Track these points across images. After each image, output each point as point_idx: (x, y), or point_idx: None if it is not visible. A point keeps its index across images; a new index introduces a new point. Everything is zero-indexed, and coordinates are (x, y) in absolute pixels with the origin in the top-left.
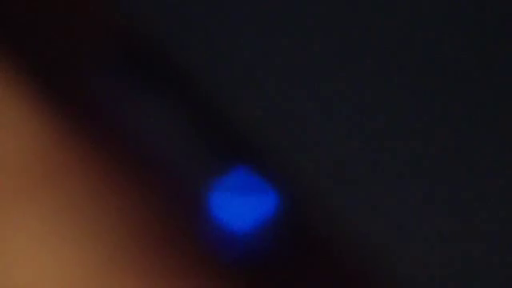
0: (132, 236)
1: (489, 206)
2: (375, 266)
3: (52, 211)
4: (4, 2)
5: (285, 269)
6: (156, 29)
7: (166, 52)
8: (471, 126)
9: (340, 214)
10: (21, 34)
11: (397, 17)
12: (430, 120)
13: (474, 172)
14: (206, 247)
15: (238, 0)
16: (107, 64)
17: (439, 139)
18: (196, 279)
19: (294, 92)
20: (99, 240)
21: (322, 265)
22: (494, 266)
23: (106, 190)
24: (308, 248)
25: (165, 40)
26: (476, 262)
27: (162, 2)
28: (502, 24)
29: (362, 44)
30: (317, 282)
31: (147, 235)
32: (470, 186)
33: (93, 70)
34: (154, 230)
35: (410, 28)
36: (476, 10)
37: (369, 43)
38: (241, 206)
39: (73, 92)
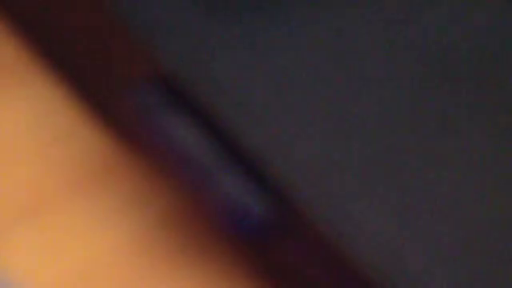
0: (167, 221)
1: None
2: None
3: (103, 205)
4: (56, 30)
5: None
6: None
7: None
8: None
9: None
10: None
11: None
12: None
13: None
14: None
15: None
16: (145, 85)
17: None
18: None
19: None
20: (141, 227)
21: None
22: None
23: (146, 185)
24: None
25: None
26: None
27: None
28: None
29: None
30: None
31: (180, 219)
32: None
33: (133, 89)
34: (182, 215)
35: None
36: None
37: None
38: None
39: (120, 107)
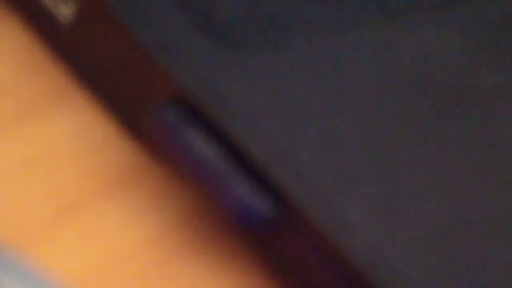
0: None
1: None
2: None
3: (130, 205)
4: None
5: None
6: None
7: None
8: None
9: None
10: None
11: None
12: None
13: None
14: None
15: None
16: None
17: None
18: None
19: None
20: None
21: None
22: None
23: (168, 189)
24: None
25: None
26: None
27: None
28: None
29: None
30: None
31: (195, 218)
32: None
33: (158, 108)
34: (198, 215)
35: None
36: None
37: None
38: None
39: (146, 123)
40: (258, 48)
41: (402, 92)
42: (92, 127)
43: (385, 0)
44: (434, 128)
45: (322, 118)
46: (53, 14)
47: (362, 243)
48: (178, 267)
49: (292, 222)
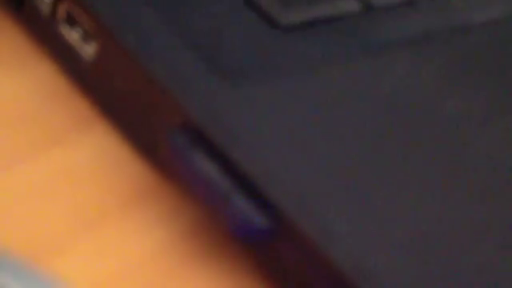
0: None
1: None
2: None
3: (144, 218)
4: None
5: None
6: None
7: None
8: None
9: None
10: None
11: None
12: None
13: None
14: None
15: None
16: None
17: None
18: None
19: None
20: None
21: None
22: None
23: (177, 204)
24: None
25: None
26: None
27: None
28: None
29: None
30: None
31: (200, 230)
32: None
33: (170, 133)
34: (203, 227)
35: None
36: None
37: None
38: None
39: (160, 146)
40: (256, 82)
41: (381, 117)
42: (111, 151)
43: (368, 38)
44: (409, 148)
45: (312, 143)
46: (78, 52)
47: (345, 253)
48: (185, 274)
49: (285, 234)
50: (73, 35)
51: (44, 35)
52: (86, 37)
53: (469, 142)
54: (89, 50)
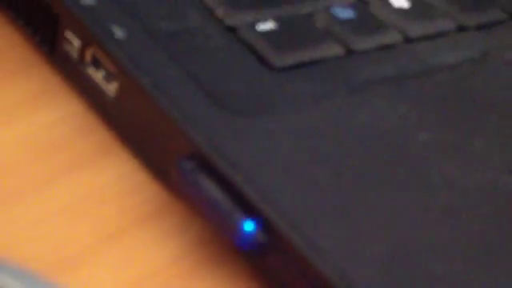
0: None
1: None
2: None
3: (156, 232)
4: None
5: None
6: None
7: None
8: None
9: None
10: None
11: None
12: None
13: None
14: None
15: None
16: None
17: None
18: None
19: None
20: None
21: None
22: None
23: (185, 221)
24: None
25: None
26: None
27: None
28: None
29: None
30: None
31: (205, 242)
32: None
33: (179, 160)
34: (207, 240)
35: None
36: None
37: None
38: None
39: (170, 171)
40: (253, 116)
41: (362, 147)
42: (131, 175)
43: (348, 78)
44: (386, 173)
45: (301, 169)
46: (102, 89)
47: (331, 265)
48: (194, 279)
49: (279, 247)
50: (98, 76)
51: (74, 75)
52: (109, 77)
53: (437, 167)
54: (111, 89)
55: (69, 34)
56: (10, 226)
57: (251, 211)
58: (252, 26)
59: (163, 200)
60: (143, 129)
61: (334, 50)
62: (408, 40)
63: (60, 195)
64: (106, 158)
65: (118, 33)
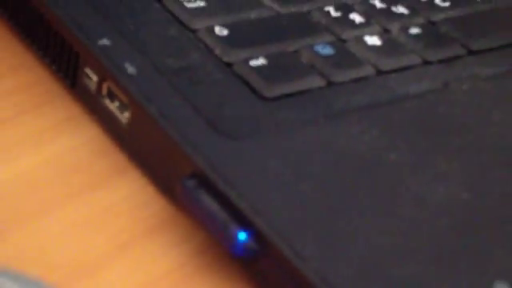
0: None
1: None
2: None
3: (161, 241)
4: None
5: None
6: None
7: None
8: None
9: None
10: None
11: None
12: None
13: None
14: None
15: None
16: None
17: None
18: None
19: None
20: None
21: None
22: None
23: (186, 231)
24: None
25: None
26: None
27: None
28: None
29: None
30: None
31: (205, 250)
32: None
33: (182, 179)
34: (207, 248)
35: None
36: None
37: None
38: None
39: (176, 188)
40: (246, 140)
41: (340, 165)
42: (141, 191)
43: (328, 106)
44: (361, 188)
45: (289, 185)
46: (117, 118)
47: (311, 270)
48: (196, 282)
49: (268, 253)
50: (113, 106)
51: (92, 106)
52: (122, 107)
53: (404, 183)
54: (124, 117)
55: (88, 71)
56: (36, 236)
57: (244, 223)
58: (246, 62)
59: (169, 213)
60: (152, 151)
61: (316, 82)
62: (380, 73)
63: (80, 209)
64: (120, 177)
65: (130, 69)
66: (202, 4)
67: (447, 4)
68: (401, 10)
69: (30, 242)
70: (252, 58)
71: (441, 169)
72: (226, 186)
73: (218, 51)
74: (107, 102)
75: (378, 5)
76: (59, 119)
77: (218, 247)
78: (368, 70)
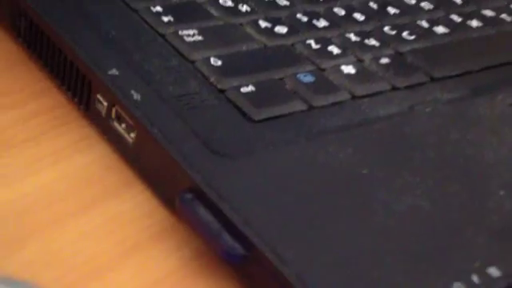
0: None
1: None
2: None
3: (162, 247)
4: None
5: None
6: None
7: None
8: None
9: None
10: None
11: None
12: None
13: None
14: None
15: None
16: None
17: None
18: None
19: None
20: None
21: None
22: None
23: (184, 238)
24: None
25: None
26: None
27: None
28: None
29: None
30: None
31: (201, 255)
32: None
33: (182, 195)
34: (203, 254)
35: None
36: None
37: None
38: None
39: (175, 202)
40: (237, 158)
41: (319, 179)
42: (145, 202)
43: (309, 128)
44: (335, 200)
45: (273, 198)
46: (124, 138)
47: (292, 273)
48: (193, 282)
49: (256, 258)
50: (120, 128)
51: (103, 127)
52: (129, 128)
53: (375, 194)
54: (131, 137)
55: (99, 97)
56: (52, 242)
57: (235, 232)
58: (237, 88)
59: (169, 222)
60: (154, 168)
61: (298, 106)
62: (354, 98)
63: (92, 218)
64: (127, 190)
65: (135, 96)
66: (200, 38)
67: (413, 37)
68: (372, 42)
69: (47, 248)
70: (242, 85)
71: (406, 182)
72: (219, 199)
73: (213, 79)
74: (116, 124)
75: (353, 38)
76: (75, 139)
77: (212, 253)
78: (344, 96)
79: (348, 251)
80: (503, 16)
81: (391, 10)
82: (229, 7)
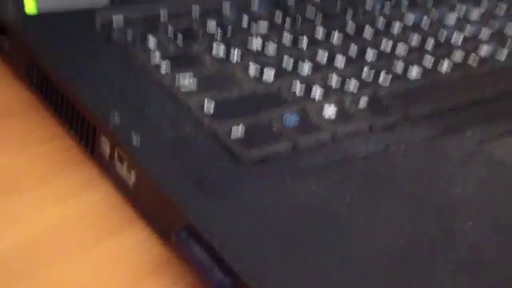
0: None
1: None
2: None
3: (160, 275)
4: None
5: None
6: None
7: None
8: None
9: None
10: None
11: None
12: None
13: None
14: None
15: None
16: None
17: None
18: None
19: None
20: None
21: None
22: None
23: (180, 271)
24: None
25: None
26: None
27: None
28: None
29: None
30: None
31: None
32: None
33: (176, 230)
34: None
35: None
36: None
37: None
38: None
39: (171, 235)
40: (227, 198)
41: (301, 215)
42: (146, 238)
43: (295, 165)
44: (318, 231)
45: (259, 235)
46: (124, 178)
47: None
48: None
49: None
50: (122, 168)
51: (107, 168)
52: (129, 168)
53: (354, 226)
54: (131, 177)
55: (103, 140)
56: (60, 275)
57: (224, 267)
58: (228, 132)
59: (167, 256)
60: (153, 207)
61: (284, 146)
62: (335, 138)
63: (98, 254)
64: (130, 227)
65: (135, 139)
66: (194, 87)
67: (388, 82)
68: (352, 87)
69: (55, 280)
70: (233, 128)
71: (381, 215)
72: (210, 236)
73: (206, 123)
74: (118, 165)
75: (334, 83)
76: (82, 180)
77: (204, 283)
78: (325, 136)
79: (328, 281)
80: (469, 62)
81: (370, 53)
82: (221, 58)
